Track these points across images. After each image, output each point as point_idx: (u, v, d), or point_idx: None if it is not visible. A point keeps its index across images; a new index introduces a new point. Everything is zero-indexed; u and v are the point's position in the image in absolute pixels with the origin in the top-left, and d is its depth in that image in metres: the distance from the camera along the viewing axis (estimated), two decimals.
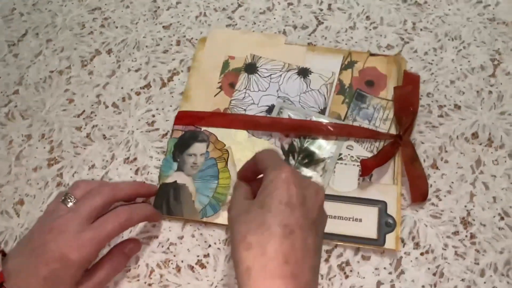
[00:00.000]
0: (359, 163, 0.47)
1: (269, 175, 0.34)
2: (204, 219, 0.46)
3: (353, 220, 0.45)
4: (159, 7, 0.60)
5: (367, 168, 0.46)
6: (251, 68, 0.53)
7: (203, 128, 0.50)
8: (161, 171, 0.49)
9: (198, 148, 0.50)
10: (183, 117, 0.51)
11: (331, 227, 0.45)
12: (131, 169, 0.50)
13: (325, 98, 0.51)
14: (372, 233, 0.44)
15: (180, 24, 0.58)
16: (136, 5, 0.61)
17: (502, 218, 0.45)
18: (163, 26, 0.59)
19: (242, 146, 0.49)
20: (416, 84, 0.51)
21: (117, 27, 0.59)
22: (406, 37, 0.55)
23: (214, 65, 0.54)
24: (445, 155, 0.48)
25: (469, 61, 0.53)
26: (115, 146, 0.52)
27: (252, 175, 0.39)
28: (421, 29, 0.55)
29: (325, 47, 0.54)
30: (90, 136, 0.52)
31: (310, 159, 0.48)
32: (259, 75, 0.53)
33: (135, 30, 0.59)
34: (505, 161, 0.47)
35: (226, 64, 0.54)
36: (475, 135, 0.49)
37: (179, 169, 0.49)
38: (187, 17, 0.59)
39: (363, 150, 0.48)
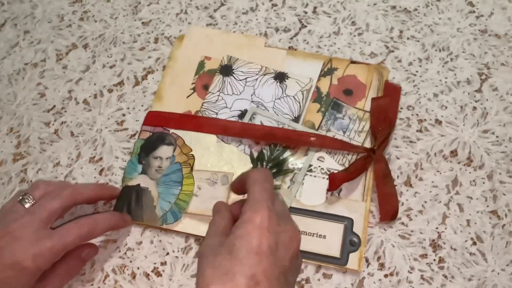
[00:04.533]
0: (328, 176, 0.45)
1: (244, 215, 0.32)
2: (164, 226, 0.45)
3: (317, 236, 0.43)
4: (140, 2, 0.58)
5: (335, 182, 0.44)
6: (226, 70, 0.51)
7: (171, 131, 0.49)
8: (125, 173, 0.47)
9: (164, 151, 0.48)
10: (152, 118, 0.50)
11: None
12: (95, 169, 0.49)
13: (300, 105, 0.49)
14: (335, 252, 0.42)
15: (160, 21, 0.57)
16: None
17: (474, 243, 0.43)
18: (143, 22, 0.57)
19: (210, 152, 0.47)
20: (396, 95, 0.49)
21: (96, 21, 0.58)
22: (391, 46, 0.52)
23: (189, 65, 0.52)
24: (420, 172, 0.46)
25: (455, 74, 0.50)
26: (82, 144, 0.50)
27: (244, 191, 0.37)
28: (408, 38, 0.53)
29: (305, 52, 0.52)
30: (58, 133, 0.51)
31: (279, 169, 0.46)
32: (234, 78, 0.51)
33: (114, 25, 0.57)
34: (483, 183, 0.45)
35: (201, 64, 0.52)
36: (454, 153, 0.46)
37: (144, 172, 0.47)
38: (167, 13, 0.57)
39: (335, 163, 0.46)
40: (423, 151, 0.47)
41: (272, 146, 0.47)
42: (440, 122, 0.48)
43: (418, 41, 0.52)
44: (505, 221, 0.43)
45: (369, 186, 0.45)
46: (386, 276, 0.42)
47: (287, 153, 0.47)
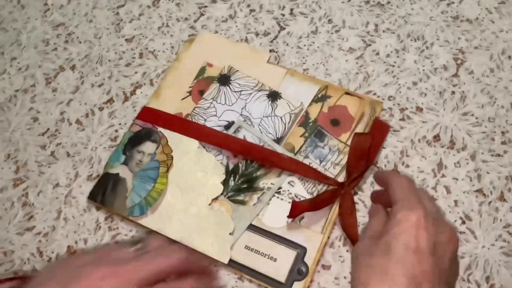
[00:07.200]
0: None
1: (397, 214, 0.31)
2: (130, 217, 0.47)
3: (268, 258, 0.44)
4: (122, 20, 0.60)
5: (296, 210, 0.43)
6: (224, 79, 0.53)
7: (159, 129, 0.50)
8: (108, 161, 0.50)
9: (148, 147, 0.50)
10: (146, 113, 0.52)
11: (245, 258, 0.44)
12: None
13: (285, 127, 0.49)
14: (281, 277, 0.43)
15: (143, 36, 0.58)
16: (99, 19, 0.60)
17: (463, 222, 0.44)
18: (126, 39, 0.58)
19: (188, 156, 0.49)
20: (383, 133, 0.48)
21: (80, 42, 0.59)
22: (368, 40, 0.54)
23: (191, 69, 0.54)
24: (406, 159, 0.48)
25: (431, 62, 0.52)
26: (78, 163, 0.52)
27: (385, 203, 0.36)
28: (383, 31, 0.55)
29: (304, 75, 0.52)
30: (54, 154, 0.53)
31: (249, 185, 0.47)
32: (230, 89, 0.52)
33: (98, 44, 0.59)
34: (467, 163, 0.47)
35: (202, 70, 0.53)
36: (437, 138, 0.48)
37: (125, 163, 0.49)
38: (149, 28, 0.59)
39: (303, 190, 0.46)
40: (407, 139, 0.48)
41: (249, 161, 0.48)
42: (421, 109, 0.50)
43: (394, 33, 0.54)
44: (491, 198, 0.45)
45: (331, 220, 0.45)
46: None
47: (260, 171, 0.48)
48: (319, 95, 0.50)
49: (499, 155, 0.47)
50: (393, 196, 0.33)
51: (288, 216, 0.44)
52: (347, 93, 0.50)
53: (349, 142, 0.48)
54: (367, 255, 0.31)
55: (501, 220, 0.44)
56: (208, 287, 0.34)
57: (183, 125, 0.50)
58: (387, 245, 0.30)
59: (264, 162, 0.48)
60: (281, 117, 0.50)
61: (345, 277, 0.43)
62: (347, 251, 0.44)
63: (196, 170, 0.48)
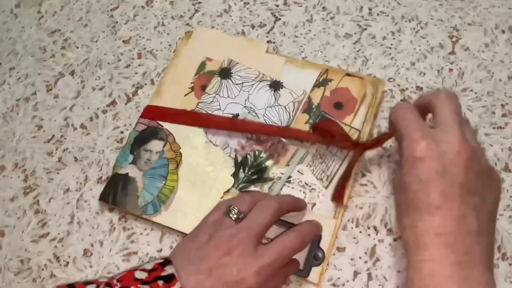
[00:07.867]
0: (305, 190, 0.46)
1: (404, 153, 0.35)
2: (144, 216, 0.47)
3: None
4: (117, 22, 0.60)
5: (341, 197, 0.45)
6: (225, 73, 0.53)
7: (165, 126, 0.51)
8: (116, 161, 0.50)
9: (155, 145, 0.50)
10: (150, 112, 0.52)
11: None
12: None
13: (290, 116, 0.50)
14: (299, 263, 0.43)
15: (140, 36, 0.59)
16: (94, 22, 0.61)
17: None
18: (123, 41, 0.59)
19: (197, 151, 0.49)
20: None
21: (77, 47, 0.59)
22: (363, 24, 0.55)
23: (191, 64, 0.54)
24: None
25: (427, 41, 0.53)
26: (87, 167, 0.52)
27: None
28: (377, 14, 0.55)
29: (303, 61, 0.53)
30: (62, 160, 0.53)
31: (259, 176, 0.48)
32: (232, 81, 0.52)
33: (96, 48, 0.59)
34: None
35: (202, 65, 0.54)
36: None
37: (134, 162, 0.50)
38: (145, 28, 0.59)
39: (313, 177, 0.47)
40: None
41: (257, 152, 0.49)
42: (421, 89, 0.51)
43: (388, 15, 0.55)
44: (496, 169, 0.46)
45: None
46: (395, 240, 0.45)
47: (269, 162, 0.48)
48: (320, 79, 0.51)
49: (500, 127, 0.48)
50: (398, 133, 0.36)
51: (337, 206, 0.45)
52: (348, 74, 0.51)
53: (353, 125, 0.48)
54: (396, 196, 0.37)
55: (507, 191, 0.45)
56: (313, 232, 0.42)
57: (189, 117, 0.51)
58: (404, 184, 0.34)
59: (280, 135, 0.48)
60: (284, 106, 0.50)
61: (360, 257, 0.44)
62: (360, 232, 0.45)
63: (205, 165, 0.49)
